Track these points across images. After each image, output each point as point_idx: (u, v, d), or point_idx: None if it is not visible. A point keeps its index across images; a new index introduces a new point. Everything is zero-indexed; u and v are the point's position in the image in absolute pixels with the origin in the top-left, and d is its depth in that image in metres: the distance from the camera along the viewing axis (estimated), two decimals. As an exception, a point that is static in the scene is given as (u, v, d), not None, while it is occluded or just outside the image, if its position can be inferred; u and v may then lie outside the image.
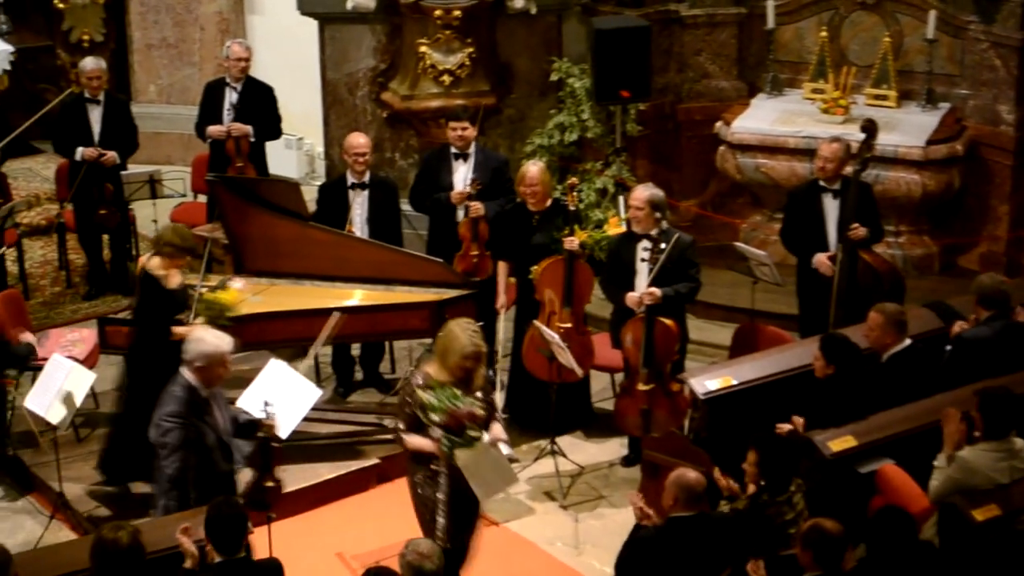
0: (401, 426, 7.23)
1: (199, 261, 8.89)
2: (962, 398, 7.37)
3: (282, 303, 9.01)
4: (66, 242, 11.45)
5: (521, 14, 11.24)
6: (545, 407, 8.97)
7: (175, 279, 8.47)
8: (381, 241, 9.40)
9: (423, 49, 11.04)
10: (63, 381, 8.24)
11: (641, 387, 8.67)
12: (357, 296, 9.16)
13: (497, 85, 11.30)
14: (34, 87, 13.23)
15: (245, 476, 7.22)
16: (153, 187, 11.01)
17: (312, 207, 9.79)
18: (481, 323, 7.58)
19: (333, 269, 9.22)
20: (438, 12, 10.88)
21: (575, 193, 9.21)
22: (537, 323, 8.94)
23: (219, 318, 8.49)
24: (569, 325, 8.99)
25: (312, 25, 11.63)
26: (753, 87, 11.86)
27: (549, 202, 9.31)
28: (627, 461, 9.11)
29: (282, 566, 6.41)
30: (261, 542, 6.99)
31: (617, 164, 11.08)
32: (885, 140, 10.26)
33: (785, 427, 7.64)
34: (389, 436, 8.73)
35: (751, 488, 6.94)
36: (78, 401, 8.28)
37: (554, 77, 11.30)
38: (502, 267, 9.45)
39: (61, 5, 13.25)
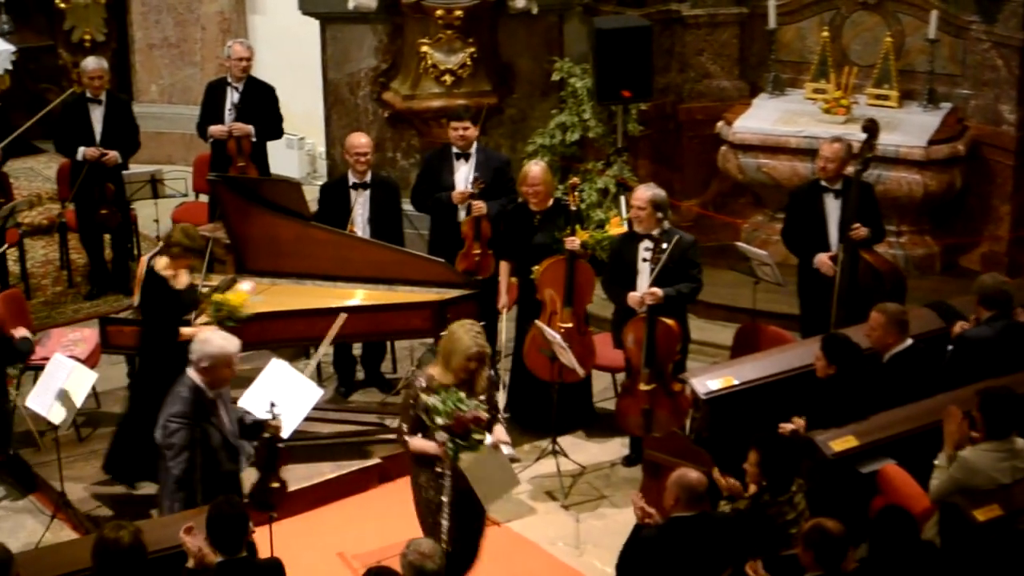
0: (404, 428, 7.22)
1: (201, 261, 8.89)
2: (963, 398, 7.37)
3: (284, 303, 9.00)
4: (67, 242, 11.44)
5: (523, 14, 11.23)
6: (547, 407, 8.96)
7: (183, 279, 8.44)
8: (383, 241, 9.40)
9: (425, 49, 11.03)
10: (65, 381, 8.24)
11: (643, 387, 8.67)
12: (359, 296, 9.15)
13: (499, 85, 11.29)
14: (36, 87, 13.23)
15: (250, 477, 7.21)
16: (155, 187, 11.03)
17: (313, 207, 9.78)
18: (483, 323, 7.58)
19: (335, 269, 9.21)
20: (439, 12, 10.87)
21: (577, 193, 9.21)
22: (539, 323, 8.93)
23: (227, 320, 8.49)
24: (570, 325, 8.99)
25: (314, 25, 11.62)
26: (755, 87, 11.86)
27: (551, 202, 9.31)
28: (628, 461, 9.10)
29: (283, 566, 6.40)
30: (262, 542, 6.99)
31: (619, 164, 11.08)
32: (886, 140, 10.26)
33: (787, 427, 7.64)
34: (391, 436, 8.72)
35: (752, 488, 6.93)
36: (79, 401, 8.28)
37: (555, 77, 11.29)
38: (504, 267, 9.44)
39: (63, 5, 13.25)
